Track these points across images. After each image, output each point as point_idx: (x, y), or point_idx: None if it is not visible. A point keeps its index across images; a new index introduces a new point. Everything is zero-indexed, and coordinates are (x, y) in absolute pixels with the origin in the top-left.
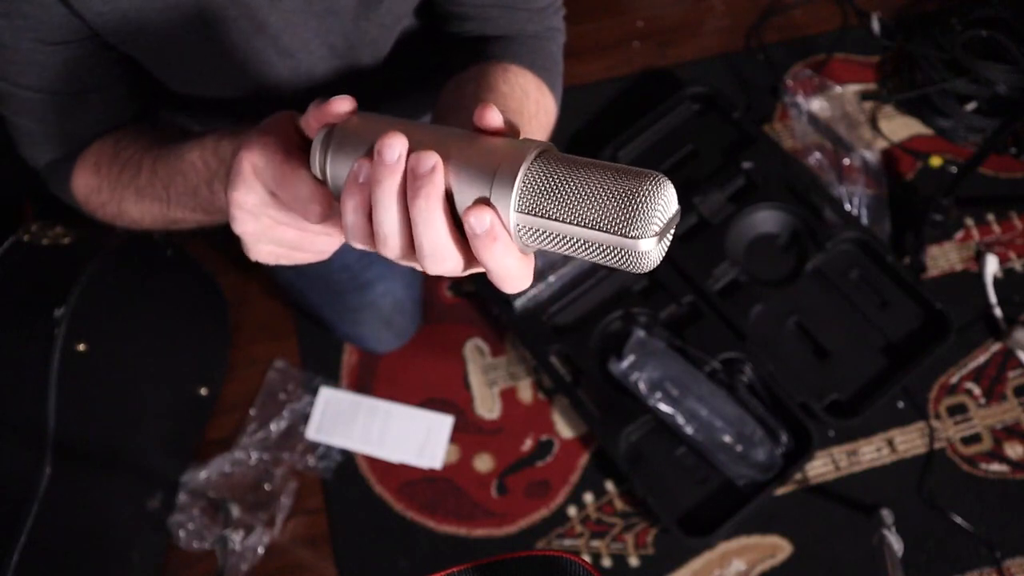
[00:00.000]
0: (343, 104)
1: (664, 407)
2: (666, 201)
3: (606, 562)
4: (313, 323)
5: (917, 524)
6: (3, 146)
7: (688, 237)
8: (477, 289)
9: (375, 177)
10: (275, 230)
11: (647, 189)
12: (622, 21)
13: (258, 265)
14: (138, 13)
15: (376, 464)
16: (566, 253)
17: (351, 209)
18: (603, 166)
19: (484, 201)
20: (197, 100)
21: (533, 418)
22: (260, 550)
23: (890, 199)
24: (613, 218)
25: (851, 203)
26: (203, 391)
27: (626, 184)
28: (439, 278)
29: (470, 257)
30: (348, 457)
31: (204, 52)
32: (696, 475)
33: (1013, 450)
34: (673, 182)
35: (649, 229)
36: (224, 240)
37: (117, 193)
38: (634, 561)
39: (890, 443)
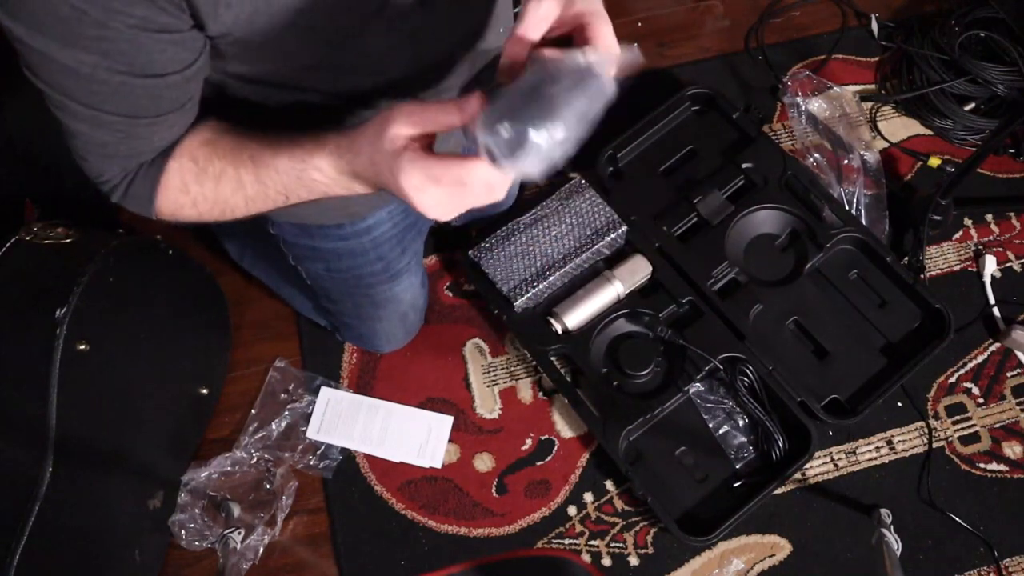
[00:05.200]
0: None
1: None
2: None
3: (606, 562)
4: (315, 327)
5: (916, 523)
6: (4, 146)
7: (688, 237)
8: (477, 289)
9: None
10: (447, 191)
11: None
12: (622, 21)
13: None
14: (268, 22)
15: (376, 463)
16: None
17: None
18: None
19: None
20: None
21: (533, 418)
22: (261, 549)
23: (889, 199)
24: None
25: (850, 203)
26: (204, 391)
27: None
28: (440, 279)
29: None
30: (348, 456)
31: (333, 56)
32: (696, 475)
33: (1011, 450)
34: (673, 182)
35: None
36: (220, 242)
37: (219, 204)
38: (634, 560)
39: (889, 443)
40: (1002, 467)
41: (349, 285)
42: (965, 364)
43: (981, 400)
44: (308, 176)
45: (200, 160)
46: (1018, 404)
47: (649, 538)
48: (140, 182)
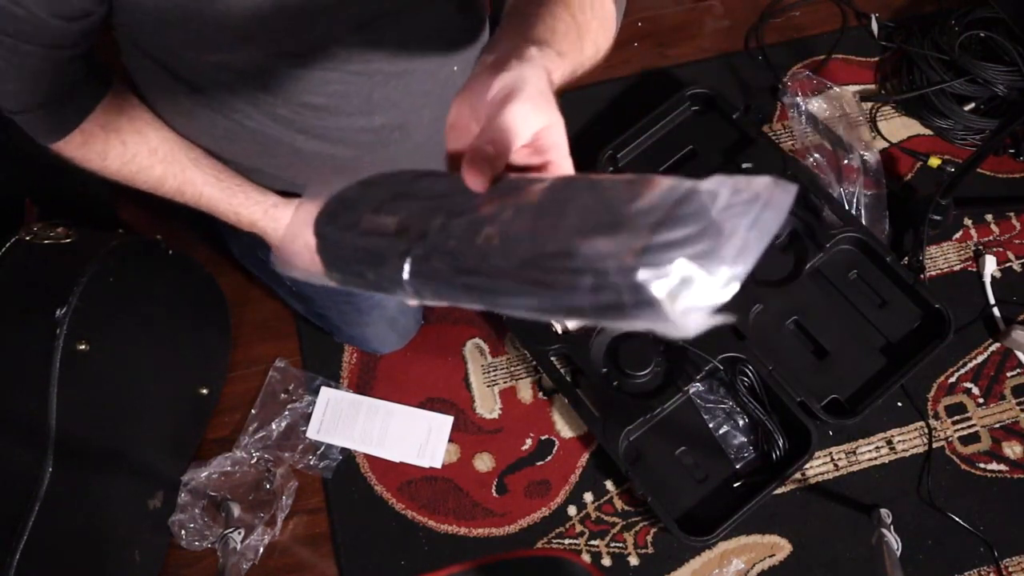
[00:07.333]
0: None
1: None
2: None
3: (606, 562)
4: (314, 328)
5: (916, 523)
6: (4, 146)
7: None
8: None
9: None
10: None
11: None
12: (622, 22)
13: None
14: None
15: (376, 463)
16: None
17: None
18: None
19: None
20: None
21: (533, 418)
22: (261, 549)
23: (889, 199)
24: None
25: (850, 203)
26: (204, 390)
27: None
28: None
29: None
30: (348, 456)
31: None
32: (696, 475)
33: (1011, 450)
34: None
35: None
36: (224, 241)
37: (128, 181)
38: (634, 560)
39: (889, 443)
40: (1002, 467)
41: (331, 292)
42: (965, 364)
43: (981, 400)
44: (236, 217)
45: (130, 144)
46: (1018, 404)
47: (649, 538)
48: (50, 121)
